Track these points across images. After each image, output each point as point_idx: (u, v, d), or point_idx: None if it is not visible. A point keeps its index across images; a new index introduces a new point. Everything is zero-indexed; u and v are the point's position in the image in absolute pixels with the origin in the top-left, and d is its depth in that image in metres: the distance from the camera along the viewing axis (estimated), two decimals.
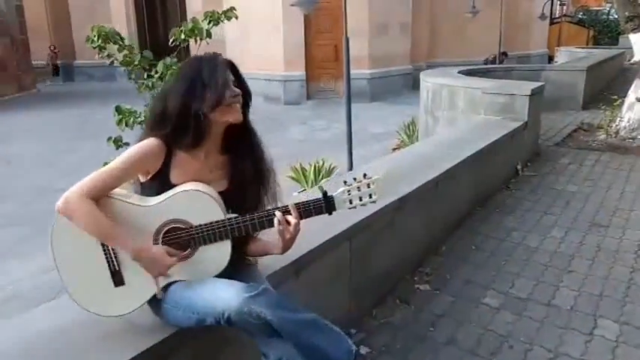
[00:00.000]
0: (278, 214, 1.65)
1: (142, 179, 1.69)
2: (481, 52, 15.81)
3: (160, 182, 1.66)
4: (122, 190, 1.64)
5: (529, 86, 5.28)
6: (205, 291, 1.56)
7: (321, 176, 5.75)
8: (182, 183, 1.66)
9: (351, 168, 6.23)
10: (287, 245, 1.73)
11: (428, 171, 3.52)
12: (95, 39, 2.80)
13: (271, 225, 1.66)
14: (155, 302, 1.64)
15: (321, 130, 10.57)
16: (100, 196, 1.55)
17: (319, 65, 13.13)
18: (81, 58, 19.44)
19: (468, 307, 2.84)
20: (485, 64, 14.00)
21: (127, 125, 2.81)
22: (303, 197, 1.79)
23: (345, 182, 1.72)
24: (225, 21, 3.23)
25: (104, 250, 1.57)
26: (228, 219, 1.62)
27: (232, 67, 1.71)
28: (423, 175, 3.43)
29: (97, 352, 1.54)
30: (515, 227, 3.90)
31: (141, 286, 1.61)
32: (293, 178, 5.88)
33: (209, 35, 3.05)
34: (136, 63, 2.83)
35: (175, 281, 1.63)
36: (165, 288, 1.63)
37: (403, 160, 3.97)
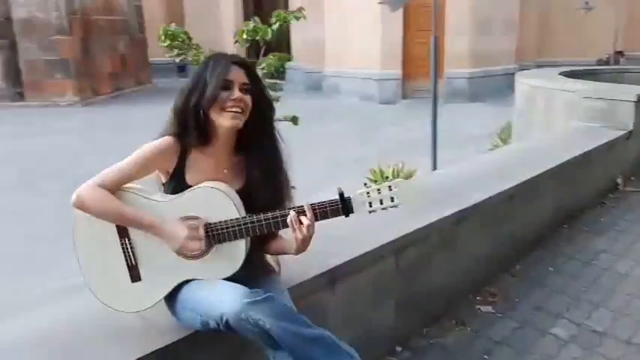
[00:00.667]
0: (292, 213, 1.58)
1: (163, 179, 1.70)
2: (598, 51, 14.50)
3: (176, 182, 1.66)
4: (139, 186, 1.66)
5: (635, 91, 4.68)
6: (210, 292, 1.53)
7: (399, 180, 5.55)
8: (197, 182, 1.65)
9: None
10: (300, 247, 1.65)
11: (503, 181, 3.24)
12: (163, 38, 2.91)
13: (286, 225, 1.60)
14: (171, 301, 1.64)
15: (414, 131, 10.27)
16: (111, 189, 1.57)
17: (417, 64, 12.77)
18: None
19: (533, 336, 2.57)
20: (599, 64, 12.79)
21: None
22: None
23: (365, 184, 1.61)
24: (294, 20, 3.18)
25: (122, 245, 1.58)
26: (243, 217, 1.58)
27: (247, 70, 1.66)
28: (496, 185, 3.17)
29: (105, 347, 1.56)
30: (605, 250, 3.48)
31: (157, 282, 1.61)
32: (371, 180, 5.75)
33: (274, 35, 3.04)
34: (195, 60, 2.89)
35: (189, 280, 1.61)
36: (179, 287, 1.61)
37: (477, 168, 3.70)
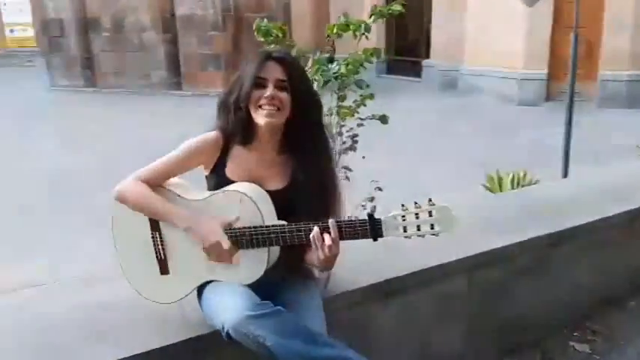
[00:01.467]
0: (315, 229, 1.49)
1: (205, 172, 1.71)
2: None
3: (217, 176, 1.67)
4: (180, 181, 1.69)
5: None
6: (221, 298, 1.51)
7: (517, 189, 5.08)
8: (237, 178, 1.64)
9: None
10: (323, 265, 1.55)
11: (623, 202, 2.78)
12: (256, 34, 2.95)
13: (308, 240, 1.50)
14: (199, 297, 1.65)
15: (553, 137, 9.33)
16: (154, 183, 1.61)
17: (565, 64, 11.60)
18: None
19: None
20: None
21: None
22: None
23: (402, 206, 1.45)
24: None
25: (153, 238, 1.62)
26: (266, 227, 1.51)
27: (285, 66, 1.59)
28: (614, 205, 2.73)
29: (121, 334, 1.62)
30: None
31: (183, 279, 1.64)
32: (487, 187, 5.33)
33: (367, 30, 2.91)
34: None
35: (212, 281, 1.60)
36: (203, 286, 1.61)
37: (601, 182, 3.23)
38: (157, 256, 1.64)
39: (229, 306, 1.44)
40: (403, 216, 1.44)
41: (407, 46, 16.89)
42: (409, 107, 12.55)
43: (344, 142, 3.06)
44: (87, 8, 15.93)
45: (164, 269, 1.64)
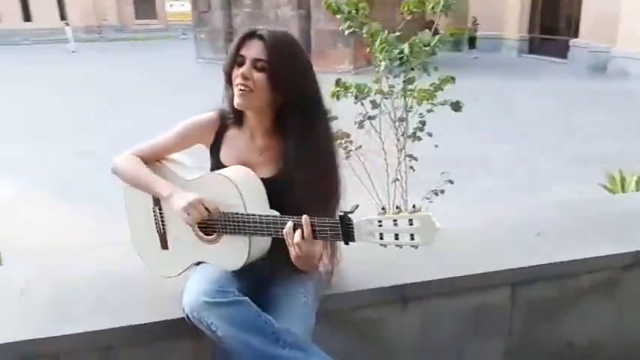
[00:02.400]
0: (288, 224, 1.38)
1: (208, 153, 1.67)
2: None
3: (213, 158, 1.63)
4: (182, 159, 1.69)
5: None
6: (194, 278, 1.46)
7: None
8: (229, 162, 1.59)
9: None
10: (298, 264, 1.43)
11: None
12: (326, 10, 2.85)
13: (279, 234, 1.40)
14: None
15: None
16: (148, 159, 1.62)
17: None
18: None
19: None
20: None
21: (338, 98, 2.78)
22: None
23: (382, 209, 1.29)
24: None
25: (154, 212, 1.64)
26: (242, 214, 1.45)
27: (267, 45, 1.45)
28: None
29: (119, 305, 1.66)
30: None
31: (179, 256, 1.63)
32: (606, 188, 4.69)
33: (447, 7, 2.65)
34: (365, 34, 2.72)
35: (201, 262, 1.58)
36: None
37: None
38: (157, 231, 1.66)
39: (192, 289, 1.40)
40: (380, 221, 1.28)
41: (553, 24, 15.40)
42: (549, 89, 11.49)
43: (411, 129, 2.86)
44: None
45: (164, 244, 1.66)
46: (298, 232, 1.36)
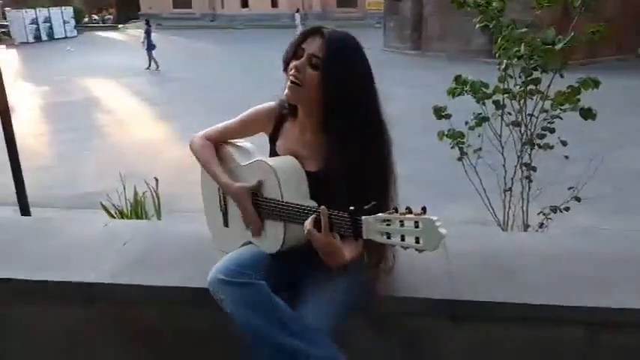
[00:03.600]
0: (312, 216, 1.38)
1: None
2: None
3: (270, 147, 1.70)
4: (245, 144, 1.79)
5: None
6: (226, 255, 1.55)
7: None
8: (282, 152, 1.64)
9: None
10: (322, 257, 1.40)
11: None
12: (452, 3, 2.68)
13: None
14: None
15: None
16: (215, 141, 1.75)
17: None
18: None
19: None
20: None
21: (453, 96, 2.61)
22: None
23: (395, 209, 1.24)
24: None
25: (218, 190, 1.76)
26: (279, 202, 1.51)
27: (327, 43, 1.45)
28: None
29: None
30: None
31: (235, 233, 1.73)
32: None
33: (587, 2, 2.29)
34: (492, 28, 2.49)
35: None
36: None
37: None
38: (220, 209, 1.81)
39: (216, 265, 1.49)
40: (388, 220, 1.23)
41: None
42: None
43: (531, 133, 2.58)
44: None
45: (225, 222, 1.79)
46: (312, 222, 1.36)
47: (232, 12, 36.58)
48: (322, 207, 1.36)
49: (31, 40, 30.76)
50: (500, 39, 2.43)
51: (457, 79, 2.68)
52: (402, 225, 1.20)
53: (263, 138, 1.74)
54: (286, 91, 1.50)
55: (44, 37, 31.74)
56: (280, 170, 1.55)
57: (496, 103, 2.65)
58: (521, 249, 2.01)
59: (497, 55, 2.46)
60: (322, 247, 1.37)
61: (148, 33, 16.87)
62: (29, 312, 1.86)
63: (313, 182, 1.56)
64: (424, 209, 1.20)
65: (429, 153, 5.51)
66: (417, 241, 1.19)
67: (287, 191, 1.53)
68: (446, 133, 2.74)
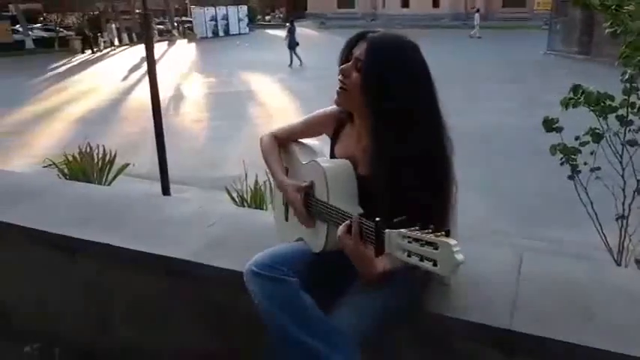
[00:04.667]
0: (346, 222, 1.36)
1: None
2: None
3: (330, 149, 1.72)
4: (310, 142, 1.83)
5: None
6: (267, 249, 1.59)
7: None
8: (339, 155, 1.65)
9: None
10: (355, 265, 1.39)
11: None
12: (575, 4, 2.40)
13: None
14: None
15: None
16: (283, 140, 1.83)
17: None
18: None
19: None
20: None
21: (566, 108, 2.33)
22: None
23: (417, 227, 1.20)
24: None
25: None
26: (325, 203, 1.52)
27: (370, 46, 1.42)
28: None
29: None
30: None
31: (293, 228, 1.78)
32: None
33: None
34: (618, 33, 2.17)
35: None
36: None
37: None
38: (283, 203, 1.88)
39: (254, 257, 1.53)
40: (409, 237, 1.18)
41: None
42: None
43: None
44: None
45: (286, 216, 1.86)
46: (348, 228, 1.35)
47: (393, 12, 36.69)
48: (355, 215, 1.35)
49: (209, 35, 34.18)
50: (625, 46, 2.14)
51: (575, 89, 2.43)
52: (422, 245, 1.15)
53: None
54: (336, 96, 1.52)
55: (221, 33, 35.03)
56: (330, 172, 1.56)
57: (620, 118, 2.34)
58: (609, 284, 1.76)
59: (618, 63, 2.18)
60: (352, 255, 1.36)
61: (291, 32, 17.74)
62: (117, 275, 2.12)
63: (363, 187, 1.55)
64: (447, 232, 1.13)
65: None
66: (435, 264, 1.13)
67: (334, 194, 1.54)
68: (557, 147, 2.50)
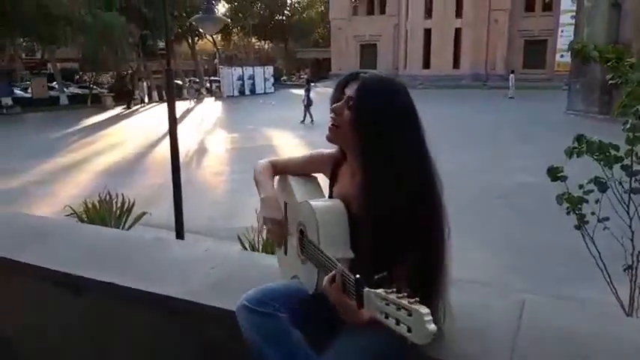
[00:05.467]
0: (332, 273, 1.35)
1: None
2: None
3: (329, 191, 1.74)
4: (307, 181, 1.84)
5: None
6: (263, 285, 1.61)
7: None
8: (336, 195, 1.67)
9: None
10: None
11: None
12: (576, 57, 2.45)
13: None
14: None
15: None
16: (279, 170, 1.85)
17: None
18: None
19: None
20: None
21: (577, 156, 2.33)
22: None
23: (394, 289, 1.19)
24: None
25: (280, 219, 1.80)
26: (314, 247, 1.52)
27: (360, 86, 1.47)
28: None
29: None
30: None
31: (290, 263, 1.78)
32: None
33: None
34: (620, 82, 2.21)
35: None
36: None
37: None
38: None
39: (247, 292, 1.55)
40: (387, 301, 1.15)
41: None
42: None
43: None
44: (620, 34, 15.32)
45: (285, 250, 1.85)
46: (332, 277, 1.35)
47: (414, 72, 37.51)
48: (339, 266, 1.35)
49: (235, 94, 35.31)
50: (625, 96, 2.17)
51: (579, 138, 2.45)
52: (398, 309, 1.14)
53: None
54: (327, 133, 1.57)
55: (247, 91, 36.16)
56: (320, 214, 1.56)
57: (624, 167, 2.34)
58: (615, 334, 1.71)
59: (615, 114, 2.20)
60: (336, 304, 1.35)
61: (307, 91, 18.70)
62: (119, 313, 2.15)
63: (356, 227, 1.54)
64: (430, 293, 1.13)
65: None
66: (409, 330, 1.11)
67: (324, 238, 1.53)
68: (564, 196, 2.49)
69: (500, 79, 36.15)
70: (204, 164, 12.04)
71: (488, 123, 16.55)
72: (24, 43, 31.80)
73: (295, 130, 17.07)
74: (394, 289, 1.15)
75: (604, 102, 15.50)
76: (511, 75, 28.43)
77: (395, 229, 1.40)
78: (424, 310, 1.07)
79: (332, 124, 1.55)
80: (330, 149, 1.76)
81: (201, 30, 41.43)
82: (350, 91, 1.51)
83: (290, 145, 14.36)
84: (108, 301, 2.15)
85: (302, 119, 18.69)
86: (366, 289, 1.20)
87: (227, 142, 15.47)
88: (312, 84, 19.44)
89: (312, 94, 18.76)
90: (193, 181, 8.99)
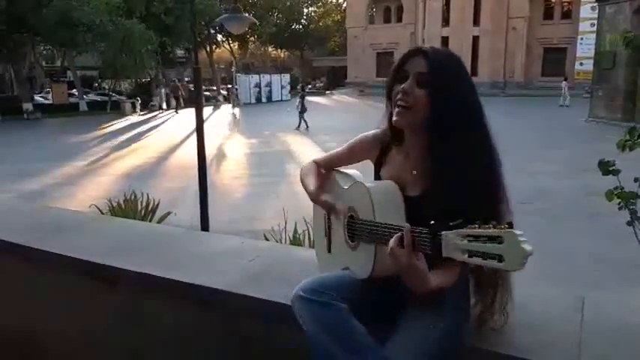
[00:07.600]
0: (397, 235, 1.29)
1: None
2: None
3: (375, 174, 1.67)
4: (352, 171, 1.77)
5: None
6: (315, 276, 1.54)
7: None
8: (386, 178, 1.60)
9: None
10: (405, 281, 1.31)
11: None
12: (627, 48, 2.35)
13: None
14: None
15: None
16: (325, 166, 1.80)
17: None
18: None
19: None
20: None
21: (623, 150, 2.23)
22: None
23: (477, 225, 1.13)
24: None
25: (324, 216, 1.79)
26: (371, 222, 1.46)
27: (428, 59, 1.40)
28: None
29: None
30: None
31: (336, 258, 1.72)
32: None
33: None
34: None
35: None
36: None
37: None
38: (325, 235, 1.82)
39: (300, 283, 1.48)
40: (470, 236, 1.10)
41: None
42: None
43: None
44: None
45: (329, 248, 1.80)
46: (399, 240, 1.28)
47: None
48: (407, 224, 1.28)
49: (252, 101, 35.46)
50: None
51: (631, 131, 2.34)
52: (484, 242, 1.07)
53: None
54: (395, 117, 1.46)
55: (263, 99, 36.31)
56: (375, 192, 1.52)
57: None
58: None
59: None
60: (403, 268, 1.28)
61: (302, 98, 18.75)
62: (156, 305, 2.08)
63: (413, 208, 1.48)
64: (510, 224, 1.06)
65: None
66: (500, 260, 1.05)
67: (380, 212, 1.48)
68: (614, 191, 2.38)
69: (518, 87, 35.87)
70: (223, 169, 12.05)
71: (506, 129, 16.32)
72: (44, 51, 32.30)
73: (313, 136, 17.04)
74: (476, 226, 1.11)
75: (627, 109, 15.24)
76: (563, 83, 26.79)
77: (467, 205, 1.30)
78: (518, 231, 1.03)
79: (402, 107, 1.44)
80: (373, 131, 1.69)
81: (218, 38, 42.18)
82: (416, 67, 1.43)
83: (308, 150, 14.33)
84: (143, 293, 2.08)
85: (297, 126, 18.78)
86: (444, 232, 1.16)
87: (245, 147, 15.51)
88: (329, 91, 19.46)
89: (305, 102, 18.92)
90: (213, 185, 8.94)
